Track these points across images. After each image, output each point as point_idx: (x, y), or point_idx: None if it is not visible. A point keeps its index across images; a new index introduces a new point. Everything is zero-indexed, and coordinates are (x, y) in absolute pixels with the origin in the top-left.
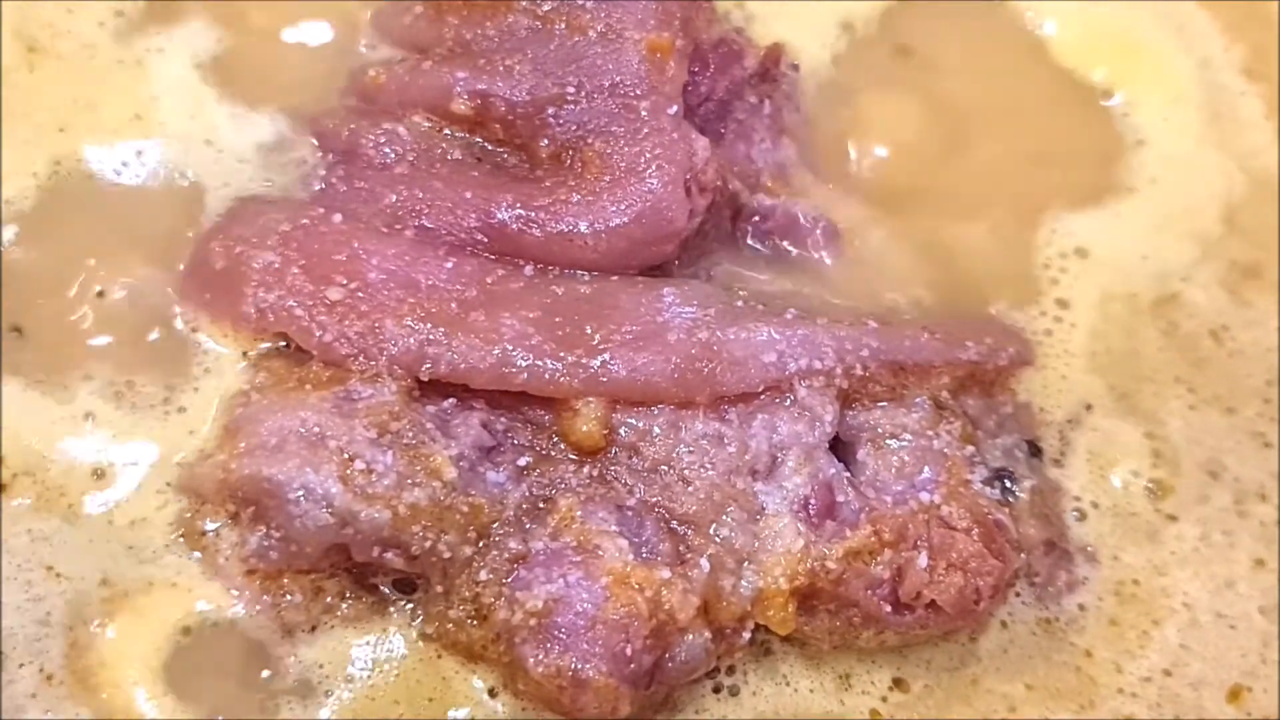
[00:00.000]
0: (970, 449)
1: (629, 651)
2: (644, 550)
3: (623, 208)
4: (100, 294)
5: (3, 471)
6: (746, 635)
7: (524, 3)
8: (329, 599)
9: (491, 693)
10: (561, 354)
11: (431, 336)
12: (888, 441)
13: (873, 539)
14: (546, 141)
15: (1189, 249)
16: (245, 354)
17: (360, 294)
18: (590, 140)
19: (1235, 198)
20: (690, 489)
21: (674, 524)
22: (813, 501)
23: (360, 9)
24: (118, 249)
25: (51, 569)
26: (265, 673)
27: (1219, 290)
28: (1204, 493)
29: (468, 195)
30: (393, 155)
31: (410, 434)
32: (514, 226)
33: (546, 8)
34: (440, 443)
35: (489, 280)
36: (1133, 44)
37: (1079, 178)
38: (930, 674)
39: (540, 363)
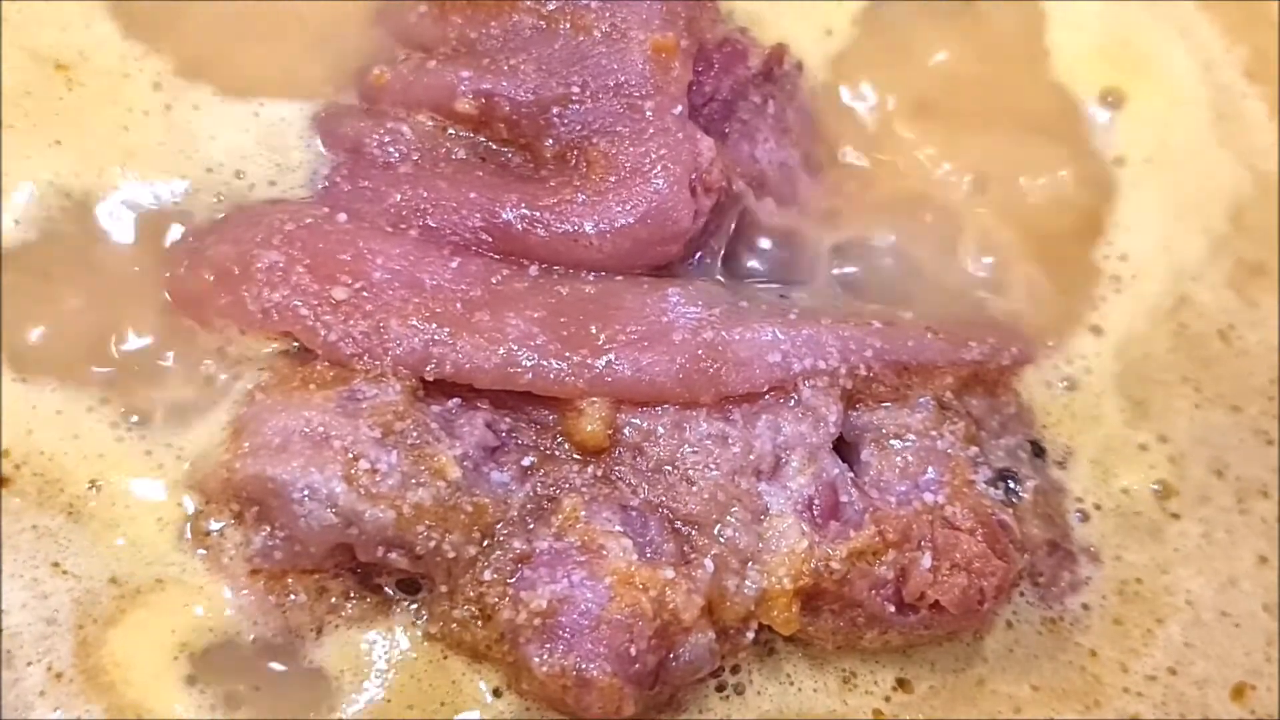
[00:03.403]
0: (974, 449)
1: (633, 651)
2: (648, 550)
3: (628, 208)
4: (103, 292)
5: (4, 465)
6: (750, 635)
7: (528, 2)
8: (333, 599)
9: (496, 693)
10: (566, 354)
11: (436, 336)
12: (891, 442)
13: (877, 539)
14: (551, 141)
15: (1198, 250)
16: (250, 353)
17: (365, 294)
18: (595, 140)
19: (1241, 198)
20: (694, 489)
21: (678, 524)
22: (817, 502)
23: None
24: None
25: (58, 566)
26: (275, 672)
27: (1226, 290)
28: (1206, 492)
29: (472, 195)
30: (397, 155)
31: (415, 434)
32: (519, 226)
33: (551, 7)
34: (445, 443)
35: (494, 280)
36: (1135, 47)
37: (1082, 181)
38: (935, 674)
39: (545, 363)
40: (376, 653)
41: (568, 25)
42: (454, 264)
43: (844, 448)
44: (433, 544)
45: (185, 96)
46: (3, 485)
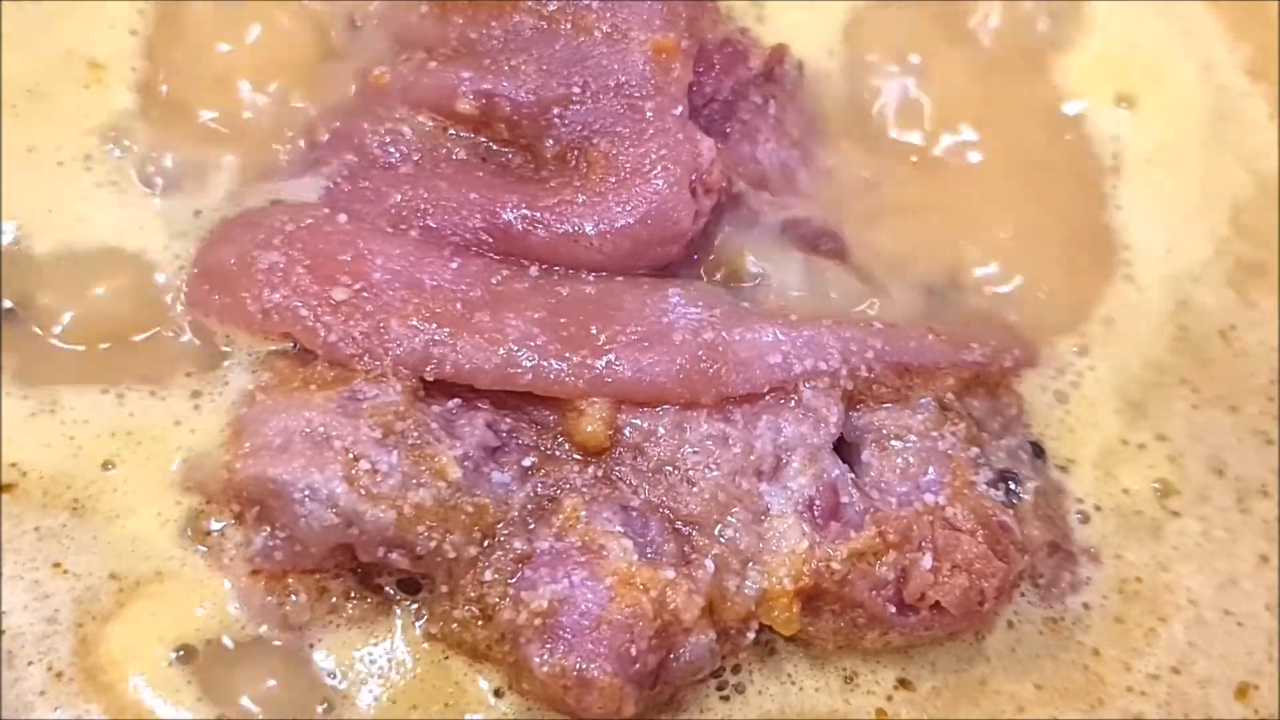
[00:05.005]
0: (975, 450)
1: (634, 652)
2: (649, 551)
3: (628, 208)
4: (105, 292)
5: (4, 471)
6: (751, 635)
7: (529, 2)
8: (334, 599)
9: (498, 693)
10: (566, 354)
11: (436, 337)
12: (892, 443)
13: (877, 540)
14: (551, 142)
15: (1199, 252)
16: (251, 354)
17: (365, 294)
18: (595, 141)
19: (1241, 199)
20: (695, 489)
21: (679, 524)
22: (817, 502)
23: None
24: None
25: (59, 566)
26: (275, 672)
27: (1228, 291)
28: (1207, 491)
29: (473, 195)
30: (397, 155)
31: (415, 434)
32: (519, 227)
33: (552, 7)
34: (445, 443)
35: (494, 280)
36: (1138, 48)
37: (1086, 183)
38: (937, 674)
39: (545, 363)
40: (377, 653)
41: (568, 26)
42: (454, 264)
43: (845, 448)
44: (433, 544)
45: None
46: (4, 490)
